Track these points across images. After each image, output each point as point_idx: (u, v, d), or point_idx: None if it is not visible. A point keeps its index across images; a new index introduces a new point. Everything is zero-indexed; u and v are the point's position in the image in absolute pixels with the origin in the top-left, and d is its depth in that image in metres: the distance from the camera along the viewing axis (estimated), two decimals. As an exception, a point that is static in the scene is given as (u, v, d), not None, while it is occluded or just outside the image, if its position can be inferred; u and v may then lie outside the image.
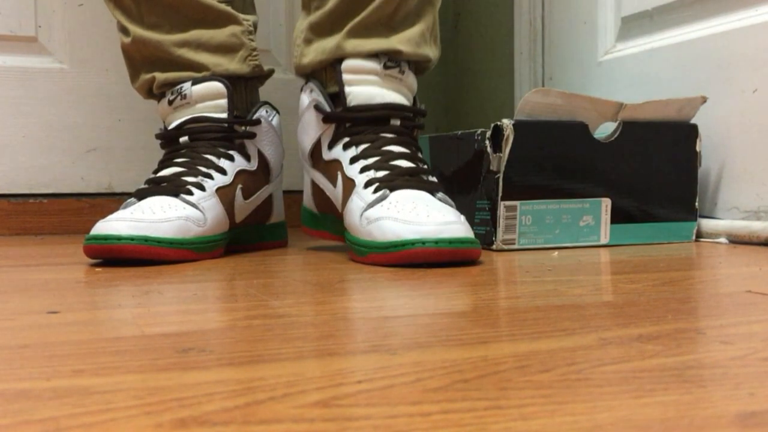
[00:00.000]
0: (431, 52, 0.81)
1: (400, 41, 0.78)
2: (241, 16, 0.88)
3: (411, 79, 0.80)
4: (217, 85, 0.84)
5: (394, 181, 0.72)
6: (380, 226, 0.68)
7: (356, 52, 0.77)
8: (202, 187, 0.79)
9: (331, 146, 0.79)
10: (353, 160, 0.76)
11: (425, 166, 0.76)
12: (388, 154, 0.75)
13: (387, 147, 0.76)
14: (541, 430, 0.24)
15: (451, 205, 0.72)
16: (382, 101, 0.77)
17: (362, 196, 0.73)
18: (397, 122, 0.78)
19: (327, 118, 0.79)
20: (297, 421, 0.25)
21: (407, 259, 0.65)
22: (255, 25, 0.91)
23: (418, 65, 0.82)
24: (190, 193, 0.78)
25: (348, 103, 0.78)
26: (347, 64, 0.77)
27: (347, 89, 0.78)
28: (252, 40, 0.88)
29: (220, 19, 0.87)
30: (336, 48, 0.78)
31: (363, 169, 0.75)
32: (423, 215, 0.66)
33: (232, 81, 0.86)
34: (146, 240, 0.71)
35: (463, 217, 0.69)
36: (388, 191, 0.71)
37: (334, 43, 0.78)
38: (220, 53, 0.86)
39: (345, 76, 0.77)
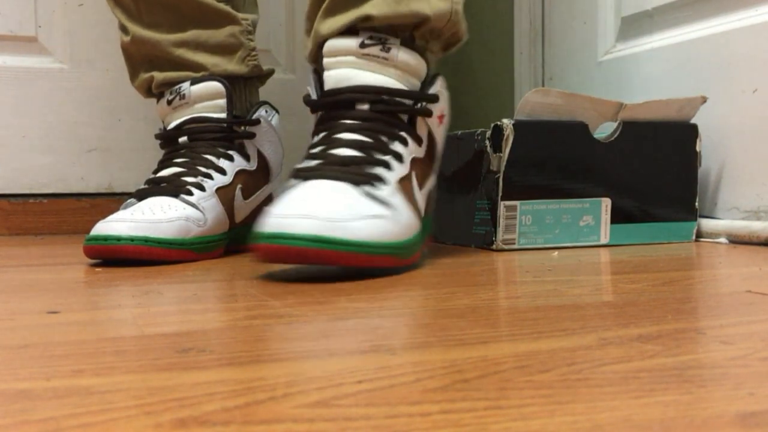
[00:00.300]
0: (425, 5, 0.67)
1: (374, 4, 0.66)
2: (240, 15, 0.88)
3: (404, 57, 0.68)
4: (215, 85, 0.84)
5: (317, 171, 0.63)
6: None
7: (330, 31, 0.69)
8: (201, 188, 0.79)
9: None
10: (308, 149, 0.69)
11: (383, 157, 0.65)
12: (336, 142, 0.66)
13: (340, 135, 0.66)
14: (541, 430, 0.24)
15: (377, 201, 0.61)
16: (353, 84, 0.67)
17: (285, 187, 0.65)
18: (365, 106, 0.67)
19: (311, 109, 0.72)
20: (297, 421, 0.25)
21: (256, 255, 0.58)
22: (254, 24, 0.91)
23: (431, 35, 0.70)
24: (190, 193, 0.78)
25: (324, 88, 0.70)
26: (327, 46, 0.69)
27: (324, 74, 0.69)
28: (251, 40, 0.88)
29: (218, 19, 0.87)
30: (315, 34, 0.71)
31: (305, 158, 0.67)
32: (285, 206, 0.57)
33: (231, 81, 0.86)
34: (146, 240, 0.71)
35: (354, 214, 0.58)
36: (299, 182, 0.63)
37: (313, 28, 0.72)
38: (218, 53, 0.86)
39: (324, 60, 0.69)
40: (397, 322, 0.41)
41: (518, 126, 0.79)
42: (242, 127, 0.86)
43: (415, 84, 0.69)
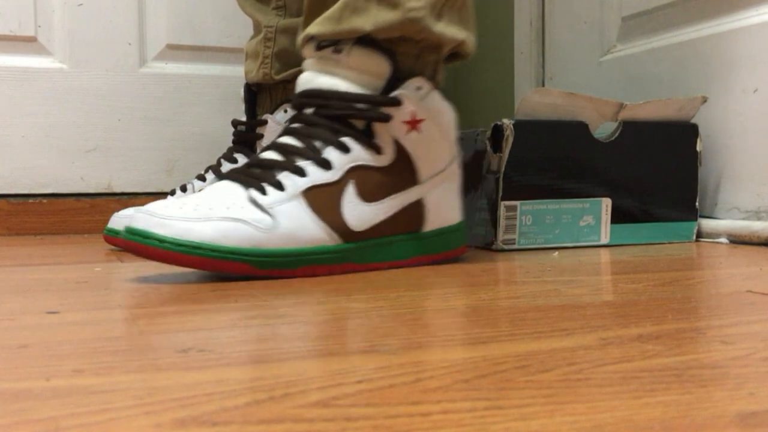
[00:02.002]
0: (365, 21, 0.63)
1: (317, 23, 0.65)
2: (265, 22, 0.92)
3: (357, 57, 0.64)
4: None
5: (231, 173, 0.63)
6: None
7: (298, 45, 0.69)
8: (184, 189, 0.90)
9: None
10: None
11: (300, 163, 0.62)
12: (271, 146, 0.65)
13: (279, 138, 0.66)
14: (541, 430, 0.24)
15: (256, 206, 0.59)
16: (306, 87, 0.66)
17: None
18: (310, 110, 0.65)
19: None
20: (297, 421, 0.25)
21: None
22: (282, 28, 0.92)
23: (396, 40, 0.65)
24: (173, 194, 0.91)
25: None
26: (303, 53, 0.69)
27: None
28: (268, 47, 0.91)
29: (256, 26, 0.94)
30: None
31: None
32: (160, 204, 0.59)
33: (259, 86, 0.92)
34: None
35: (211, 215, 0.57)
36: (214, 179, 0.65)
37: None
38: (251, 59, 0.93)
39: (303, 66, 0.69)
40: (397, 322, 0.41)
41: (518, 126, 0.79)
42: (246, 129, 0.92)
43: (376, 85, 0.65)
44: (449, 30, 0.67)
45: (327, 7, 0.66)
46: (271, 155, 0.64)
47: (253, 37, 0.94)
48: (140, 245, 0.57)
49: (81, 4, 1.20)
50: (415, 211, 0.67)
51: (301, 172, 0.62)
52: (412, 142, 0.65)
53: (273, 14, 0.91)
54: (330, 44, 0.65)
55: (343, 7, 0.64)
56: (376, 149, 0.64)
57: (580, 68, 1.14)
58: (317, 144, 0.64)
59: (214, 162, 0.95)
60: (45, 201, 1.18)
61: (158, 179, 1.24)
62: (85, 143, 1.21)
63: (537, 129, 0.80)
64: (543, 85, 1.23)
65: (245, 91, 0.91)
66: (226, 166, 0.90)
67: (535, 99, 0.80)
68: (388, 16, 0.64)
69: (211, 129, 1.26)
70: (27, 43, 1.18)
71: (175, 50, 1.26)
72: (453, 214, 0.70)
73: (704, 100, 0.86)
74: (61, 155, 1.20)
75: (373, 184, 0.64)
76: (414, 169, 0.66)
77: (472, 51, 0.72)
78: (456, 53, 0.71)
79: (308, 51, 0.67)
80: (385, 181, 0.65)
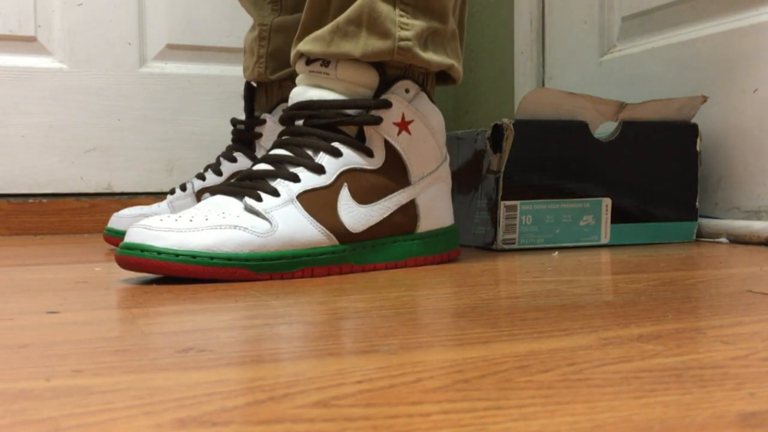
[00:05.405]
0: (354, 47, 0.65)
1: (308, 42, 0.67)
2: (259, 19, 0.91)
3: (345, 69, 0.66)
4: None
5: (222, 186, 0.64)
6: None
7: (292, 61, 0.71)
8: (183, 188, 0.90)
9: None
10: None
11: (293, 169, 0.63)
12: (263, 158, 0.66)
13: (271, 150, 0.67)
14: (541, 431, 0.24)
15: (253, 213, 0.60)
16: (296, 101, 0.68)
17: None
18: (301, 122, 0.67)
19: None
20: (297, 421, 0.25)
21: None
22: (278, 26, 0.91)
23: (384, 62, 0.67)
24: (173, 192, 0.90)
25: None
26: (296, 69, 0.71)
27: None
28: (262, 47, 0.90)
29: (253, 23, 0.92)
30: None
31: None
32: (154, 219, 0.59)
33: (257, 83, 0.91)
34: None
35: (207, 225, 0.58)
36: (208, 196, 0.64)
37: None
38: (248, 55, 0.92)
39: (296, 81, 0.71)
40: (397, 322, 0.41)
41: (518, 126, 0.79)
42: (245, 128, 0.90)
43: (365, 94, 0.66)
44: (436, 57, 0.68)
45: (322, 25, 0.67)
46: (264, 167, 0.64)
47: (250, 31, 0.93)
48: (138, 258, 0.57)
49: (81, 4, 1.20)
50: (408, 212, 0.68)
51: (294, 178, 0.63)
52: (402, 144, 0.67)
53: (269, 9, 0.90)
54: (317, 58, 0.67)
55: (334, 30, 0.65)
56: (368, 152, 0.65)
57: (580, 68, 1.14)
58: (309, 152, 0.65)
59: (213, 161, 0.95)
60: (45, 201, 1.18)
61: (158, 179, 1.24)
62: (85, 143, 1.21)
63: (537, 129, 0.80)
64: (543, 85, 1.23)
65: (245, 89, 0.91)
66: (225, 165, 0.89)
67: (535, 99, 0.80)
68: (377, 44, 0.65)
69: (211, 128, 1.26)
70: (27, 42, 1.18)
71: (175, 50, 1.26)
72: (445, 216, 0.71)
73: (704, 100, 0.86)
74: (61, 155, 1.20)
75: (366, 186, 0.65)
76: (405, 171, 0.67)
77: (460, 78, 0.73)
78: (447, 76, 0.72)
79: (299, 67, 0.69)
80: (378, 183, 0.66)
